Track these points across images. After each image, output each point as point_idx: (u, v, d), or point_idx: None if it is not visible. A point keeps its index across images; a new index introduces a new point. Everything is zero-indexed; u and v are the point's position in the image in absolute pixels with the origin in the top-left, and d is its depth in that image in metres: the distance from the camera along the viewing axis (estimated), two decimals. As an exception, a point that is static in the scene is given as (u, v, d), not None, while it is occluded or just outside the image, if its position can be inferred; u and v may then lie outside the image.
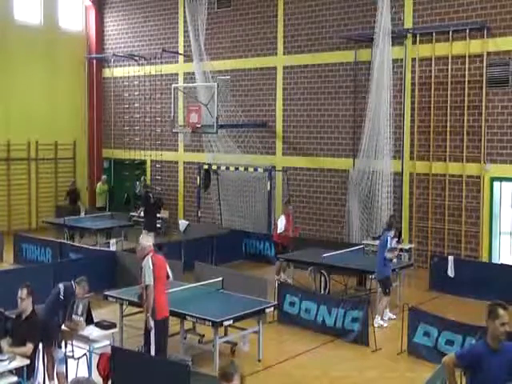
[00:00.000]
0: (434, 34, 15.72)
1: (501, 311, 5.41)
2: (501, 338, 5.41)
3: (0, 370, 7.24)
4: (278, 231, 14.58)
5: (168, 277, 9.21)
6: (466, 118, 15.36)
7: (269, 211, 17.84)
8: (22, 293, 7.73)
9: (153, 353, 8.77)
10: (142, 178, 20.67)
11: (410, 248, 15.73)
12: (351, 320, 10.88)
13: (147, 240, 9.24)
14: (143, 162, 22.43)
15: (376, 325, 11.28)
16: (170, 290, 10.16)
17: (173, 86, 19.40)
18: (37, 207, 21.63)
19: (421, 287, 14.17)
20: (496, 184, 15.20)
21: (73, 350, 8.66)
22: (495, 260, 15.11)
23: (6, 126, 20.90)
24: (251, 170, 18.09)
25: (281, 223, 14.56)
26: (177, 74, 21.45)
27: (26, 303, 7.74)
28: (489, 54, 15.01)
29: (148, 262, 8.90)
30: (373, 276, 12.66)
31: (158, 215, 18.49)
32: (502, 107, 14.94)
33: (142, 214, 17.59)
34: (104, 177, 22.07)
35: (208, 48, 19.75)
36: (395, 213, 15.90)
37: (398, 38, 16.12)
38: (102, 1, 23.50)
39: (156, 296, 8.86)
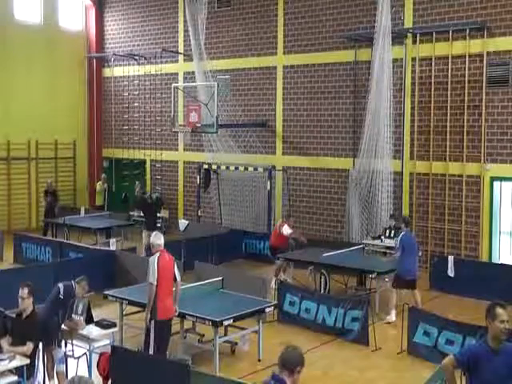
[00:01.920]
0: (434, 34, 15.72)
1: (499, 310, 5.41)
2: (501, 337, 5.40)
3: (0, 369, 7.24)
4: (285, 234, 14.35)
5: (175, 279, 9.09)
6: (465, 117, 15.36)
7: (269, 211, 17.83)
8: (23, 292, 7.72)
9: (151, 352, 8.79)
10: (137, 183, 20.67)
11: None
12: (351, 320, 10.89)
13: (158, 238, 9.15)
14: (143, 162, 22.43)
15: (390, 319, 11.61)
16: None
17: (173, 85, 19.39)
18: (37, 207, 21.62)
19: (421, 287, 14.12)
20: (496, 184, 15.20)
21: (73, 350, 8.67)
22: (495, 260, 15.10)
23: (6, 125, 20.89)
24: (251, 169, 18.08)
25: (286, 231, 14.32)
26: (177, 74, 21.45)
27: (26, 303, 7.74)
28: (489, 53, 15.01)
29: (154, 261, 8.89)
30: (372, 276, 12.66)
31: (158, 215, 18.48)
32: (502, 107, 14.94)
33: (142, 214, 17.61)
34: (103, 176, 22.08)
35: (208, 47, 19.74)
36: (395, 212, 15.92)
37: (397, 37, 16.11)
38: (102, 0, 23.50)
39: (160, 296, 8.84)
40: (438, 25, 15.67)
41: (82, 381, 4.39)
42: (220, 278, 10.97)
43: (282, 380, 4.73)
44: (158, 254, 8.96)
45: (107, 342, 8.85)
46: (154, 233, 9.55)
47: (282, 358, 4.81)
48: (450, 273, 13.88)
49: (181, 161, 21.45)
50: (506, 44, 14.79)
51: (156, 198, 18.28)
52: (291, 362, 4.77)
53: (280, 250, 14.34)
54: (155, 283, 8.77)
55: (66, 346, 8.67)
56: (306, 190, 18.34)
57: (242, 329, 10.11)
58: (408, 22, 16.22)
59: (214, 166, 19.03)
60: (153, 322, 8.86)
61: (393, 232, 14.93)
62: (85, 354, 8.72)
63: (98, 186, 21.58)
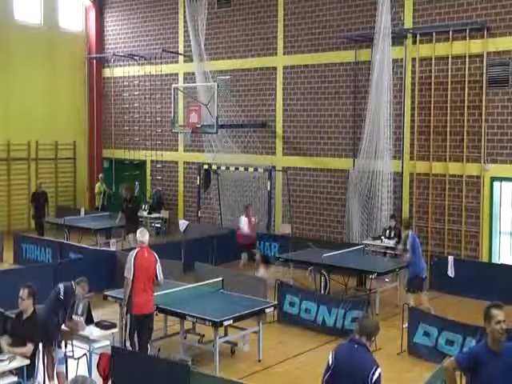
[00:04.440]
0: (434, 34, 15.71)
1: (494, 311, 5.40)
2: (500, 338, 5.38)
3: (0, 369, 7.24)
4: (239, 231, 15.41)
5: (157, 277, 9.21)
6: (466, 117, 15.35)
7: (269, 211, 17.83)
8: (23, 293, 7.72)
9: (128, 345, 9.00)
10: (137, 184, 20.60)
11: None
12: (351, 320, 10.88)
13: (142, 235, 9.38)
14: (143, 162, 22.43)
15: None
16: (170, 290, 10.20)
17: (173, 86, 19.40)
18: (37, 207, 21.60)
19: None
20: (496, 184, 15.20)
21: (73, 350, 8.67)
22: (495, 260, 15.10)
23: (6, 126, 20.90)
24: (251, 170, 18.08)
25: (240, 223, 15.49)
26: (177, 74, 21.46)
27: (26, 304, 7.73)
28: (489, 54, 15.01)
29: (131, 256, 9.14)
30: (372, 276, 12.66)
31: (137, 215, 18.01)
32: (502, 107, 14.94)
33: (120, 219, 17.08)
34: (101, 175, 22.06)
35: (208, 48, 19.75)
36: (395, 213, 15.93)
37: (398, 37, 16.12)
38: (102, 1, 23.51)
39: (135, 291, 9.03)
40: (438, 25, 15.67)
41: (83, 381, 4.39)
42: (220, 279, 10.97)
43: (365, 344, 5.54)
44: (136, 250, 9.23)
45: (107, 342, 8.85)
46: (140, 229, 9.68)
47: (363, 326, 5.63)
48: (450, 273, 13.89)
49: (181, 161, 21.45)
50: (506, 44, 14.79)
51: (134, 197, 17.56)
52: (372, 330, 5.61)
53: (246, 246, 15.29)
54: (131, 278, 9.00)
55: (66, 346, 8.67)
56: (306, 191, 18.33)
57: (242, 329, 10.12)
58: (408, 23, 16.22)
59: (214, 167, 19.02)
60: (129, 315, 9.07)
61: (393, 232, 14.95)
62: (85, 354, 8.72)
63: (97, 187, 21.56)
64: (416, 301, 12.09)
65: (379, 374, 5.42)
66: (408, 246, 12.13)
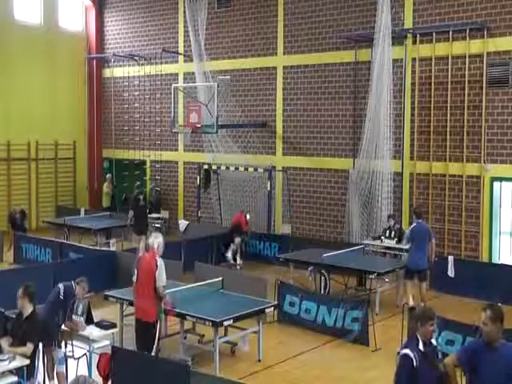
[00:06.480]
0: (434, 34, 15.72)
1: (482, 314, 5.55)
2: (485, 338, 5.50)
3: (0, 370, 7.24)
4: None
5: (154, 281, 8.84)
6: (466, 117, 15.35)
7: (269, 211, 17.84)
8: (19, 292, 7.75)
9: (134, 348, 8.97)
10: (138, 183, 20.64)
11: (410, 248, 15.71)
12: (351, 320, 10.89)
13: (151, 239, 9.25)
14: (143, 162, 22.44)
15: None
16: (170, 290, 10.18)
17: (173, 86, 19.41)
18: (37, 207, 21.63)
19: (421, 287, 14.16)
20: (496, 184, 15.20)
21: (73, 350, 8.67)
22: (495, 260, 15.10)
23: (6, 126, 20.90)
24: (251, 170, 18.09)
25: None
26: (177, 74, 21.46)
27: (21, 302, 7.73)
28: (489, 54, 15.01)
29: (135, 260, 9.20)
30: (372, 276, 12.66)
31: (148, 217, 18.08)
32: (502, 107, 14.94)
33: (132, 218, 16.89)
34: (109, 175, 22.06)
35: (208, 48, 19.76)
36: (394, 213, 15.93)
37: (397, 38, 16.12)
38: (102, 1, 23.51)
39: (136, 295, 8.99)
40: (438, 25, 15.67)
41: (84, 381, 4.40)
42: (220, 279, 10.97)
43: (415, 333, 5.87)
44: (139, 255, 9.38)
45: (107, 342, 8.85)
46: (156, 233, 9.57)
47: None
48: (450, 273, 13.89)
49: (181, 161, 21.45)
50: (506, 44, 14.79)
51: (145, 199, 17.68)
52: (414, 317, 6.01)
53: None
54: (134, 281, 8.93)
55: (66, 346, 8.67)
56: (306, 191, 18.33)
57: (242, 329, 10.11)
58: (408, 23, 16.22)
59: (214, 167, 19.04)
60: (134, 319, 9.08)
61: (393, 232, 14.96)
62: (85, 354, 8.72)
63: (105, 187, 21.58)
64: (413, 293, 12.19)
65: (403, 355, 5.63)
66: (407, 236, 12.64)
